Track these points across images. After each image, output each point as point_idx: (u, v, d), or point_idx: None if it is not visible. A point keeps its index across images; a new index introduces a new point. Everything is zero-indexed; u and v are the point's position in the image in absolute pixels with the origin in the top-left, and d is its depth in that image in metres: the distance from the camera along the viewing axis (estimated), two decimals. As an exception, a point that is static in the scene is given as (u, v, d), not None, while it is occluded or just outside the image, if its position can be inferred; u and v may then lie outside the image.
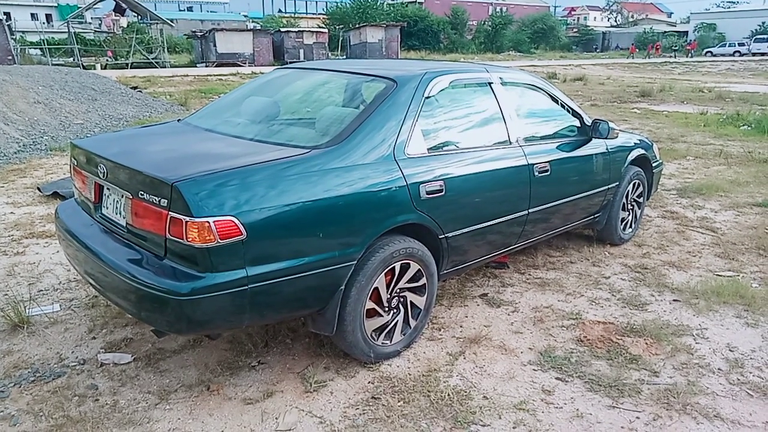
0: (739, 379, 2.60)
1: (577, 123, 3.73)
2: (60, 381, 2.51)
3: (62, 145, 7.65)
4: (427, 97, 2.79)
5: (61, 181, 5.58)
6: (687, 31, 61.73)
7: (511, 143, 3.16)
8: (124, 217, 2.36)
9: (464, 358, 2.74)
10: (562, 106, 3.67)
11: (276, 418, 2.28)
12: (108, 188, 2.48)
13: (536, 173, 3.20)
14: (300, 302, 2.37)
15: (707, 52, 48.20)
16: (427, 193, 2.62)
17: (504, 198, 3.11)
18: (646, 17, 74.45)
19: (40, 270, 3.68)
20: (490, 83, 3.21)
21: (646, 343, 2.89)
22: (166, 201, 2.07)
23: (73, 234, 2.61)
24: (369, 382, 2.53)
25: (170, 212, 2.06)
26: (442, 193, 2.68)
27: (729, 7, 72.37)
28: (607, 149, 3.84)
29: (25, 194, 5.41)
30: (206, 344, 2.81)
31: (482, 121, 3.16)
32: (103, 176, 2.45)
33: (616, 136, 3.84)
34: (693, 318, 3.18)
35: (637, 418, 2.33)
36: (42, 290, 3.40)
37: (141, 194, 2.19)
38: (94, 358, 2.69)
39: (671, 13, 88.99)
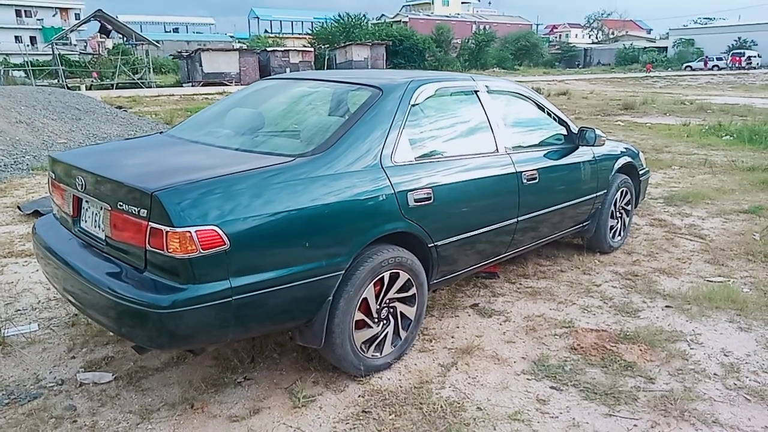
0: (735, 384, 2.57)
1: (563, 131, 3.73)
2: (36, 403, 2.40)
3: (44, 164, 7.52)
4: (413, 105, 2.77)
5: (42, 199, 5.46)
6: (666, 47, 63.02)
7: (498, 151, 3.14)
8: (102, 230, 2.28)
9: (456, 369, 2.67)
10: (549, 115, 3.67)
11: (263, 436, 2.20)
12: (86, 201, 2.41)
13: (525, 181, 3.18)
14: (287, 314, 2.30)
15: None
16: (416, 201, 2.58)
17: (493, 206, 3.07)
18: (626, 34, 75.91)
19: (19, 289, 3.57)
20: (476, 91, 3.20)
21: (641, 350, 2.84)
22: (145, 211, 2.01)
23: (52, 249, 2.52)
24: (359, 396, 2.46)
25: (150, 223, 1.99)
26: (431, 201, 2.64)
27: (706, 23, 74.15)
28: (594, 157, 3.84)
29: (4, 213, 5.29)
30: (190, 361, 2.72)
31: (469, 129, 3.14)
32: (82, 188, 2.38)
33: (603, 144, 3.84)
34: (686, 324, 3.15)
35: (635, 425, 2.28)
36: (19, 310, 3.28)
37: (120, 205, 2.13)
38: (73, 378, 2.59)
39: (650, 29, 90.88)
